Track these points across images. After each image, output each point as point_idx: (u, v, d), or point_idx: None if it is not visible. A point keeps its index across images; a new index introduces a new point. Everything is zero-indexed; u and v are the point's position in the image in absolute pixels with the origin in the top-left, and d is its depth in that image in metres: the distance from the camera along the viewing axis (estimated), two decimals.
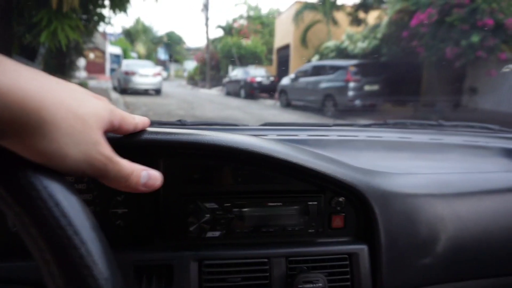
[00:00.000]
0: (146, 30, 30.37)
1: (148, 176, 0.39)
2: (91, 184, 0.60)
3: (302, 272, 0.61)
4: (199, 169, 0.62)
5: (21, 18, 4.93)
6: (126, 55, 25.13)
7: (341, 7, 13.02)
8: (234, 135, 0.60)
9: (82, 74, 12.08)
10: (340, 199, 0.67)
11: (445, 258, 0.71)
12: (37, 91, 0.29)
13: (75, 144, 0.31)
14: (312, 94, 9.49)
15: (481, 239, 0.73)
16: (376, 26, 10.14)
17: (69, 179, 0.60)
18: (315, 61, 11.53)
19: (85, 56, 11.92)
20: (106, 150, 0.34)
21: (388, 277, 0.66)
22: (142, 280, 0.58)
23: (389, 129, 1.13)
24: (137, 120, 0.45)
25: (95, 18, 6.26)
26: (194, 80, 21.99)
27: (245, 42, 20.31)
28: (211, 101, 12.03)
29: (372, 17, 11.10)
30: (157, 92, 13.21)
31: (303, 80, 10.02)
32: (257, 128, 1.03)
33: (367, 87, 8.60)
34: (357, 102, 8.45)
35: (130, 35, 29.02)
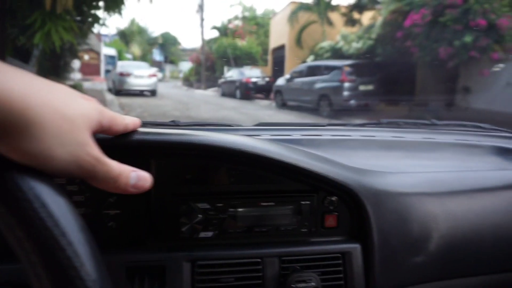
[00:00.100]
0: (141, 31, 30.28)
1: (137, 177, 0.38)
2: (83, 185, 0.60)
3: (295, 272, 0.61)
4: (191, 169, 0.62)
5: (14, 19, 4.90)
6: (121, 57, 25.04)
7: (335, 8, 13.07)
8: (226, 135, 0.60)
9: (76, 75, 12.01)
10: (333, 198, 0.67)
11: (438, 256, 0.71)
12: (22, 92, 0.28)
13: (62, 145, 0.31)
14: (307, 94, 9.52)
15: (473, 237, 0.73)
16: (370, 27, 10.19)
17: (60, 180, 0.60)
18: (310, 61, 11.56)
19: (80, 58, 11.87)
20: (94, 151, 0.34)
21: (381, 275, 0.66)
22: (135, 281, 0.58)
23: (383, 129, 1.14)
24: (127, 121, 0.45)
25: (89, 19, 6.23)
26: (189, 81, 21.95)
27: (240, 42, 20.31)
28: (206, 102, 12.01)
29: (366, 17, 11.15)
30: (152, 93, 13.17)
31: (298, 80, 10.04)
32: (251, 128, 1.03)
33: (362, 87, 8.63)
34: (352, 102, 8.48)
35: (125, 36, 28.91)
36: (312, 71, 9.80)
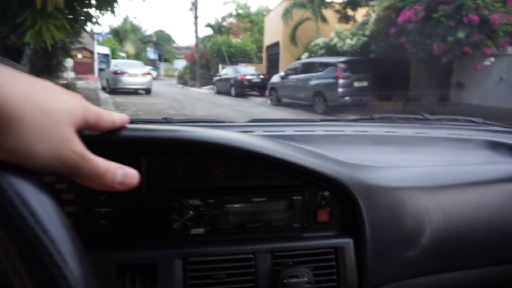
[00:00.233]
0: (134, 29, 30.08)
1: (124, 174, 0.38)
2: (72, 184, 0.59)
3: (288, 267, 0.61)
4: (182, 166, 0.61)
5: (4, 18, 4.84)
6: (114, 55, 24.88)
7: (329, 5, 13.07)
8: (216, 131, 0.60)
9: (70, 74, 11.92)
10: (325, 193, 0.67)
11: (430, 250, 0.71)
12: (1, 86, 0.28)
13: (44, 140, 0.30)
14: (302, 91, 9.53)
15: (465, 231, 0.74)
16: (364, 23, 10.21)
17: (49, 179, 0.59)
18: (304, 58, 11.56)
19: (73, 57, 11.76)
20: (78, 147, 0.33)
21: (374, 270, 0.66)
22: (126, 279, 0.58)
23: (375, 124, 1.14)
24: (114, 117, 0.44)
25: (82, 17, 6.17)
26: (184, 79, 21.88)
27: (235, 40, 20.26)
28: (201, 100, 11.98)
29: (360, 14, 11.17)
30: (147, 91, 13.12)
31: (293, 77, 10.05)
32: (244, 125, 1.03)
33: (356, 84, 8.66)
34: (347, 99, 8.51)
35: (119, 35, 28.72)
36: (307, 68, 9.81)
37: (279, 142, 0.69)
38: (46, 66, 8.18)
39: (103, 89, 13.49)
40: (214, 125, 0.98)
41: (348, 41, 10.17)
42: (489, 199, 0.77)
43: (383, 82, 8.82)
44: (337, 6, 12.22)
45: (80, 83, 14.07)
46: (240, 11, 23.61)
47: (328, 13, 13.02)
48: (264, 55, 18.55)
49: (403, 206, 0.70)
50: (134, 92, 12.96)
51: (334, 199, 0.68)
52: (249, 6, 23.95)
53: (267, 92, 11.72)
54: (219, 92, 14.41)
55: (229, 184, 0.63)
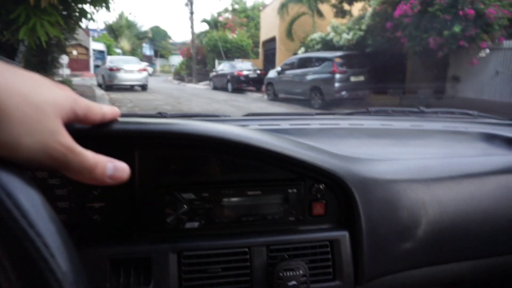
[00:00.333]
0: (130, 26, 29.87)
1: (114, 167, 0.37)
2: (65, 179, 0.58)
3: (283, 260, 0.61)
4: (176, 159, 0.61)
5: None
6: (110, 51, 24.72)
7: None
8: (209, 124, 0.59)
9: (65, 71, 11.84)
10: (320, 186, 0.66)
11: (426, 243, 0.71)
12: None
13: (30, 133, 0.29)
14: (299, 86, 9.52)
15: (461, 223, 0.74)
16: (360, 18, 10.17)
17: (41, 174, 0.58)
18: (301, 53, 11.53)
19: (68, 53, 11.66)
20: (66, 140, 0.33)
21: (370, 262, 0.66)
22: (120, 274, 0.57)
23: (371, 117, 1.14)
24: (105, 110, 0.44)
25: (76, 13, 6.12)
26: (180, 75, 21.79)
27: (231, 35, 20.17)
28: (198, 96, 11.94)
29: (356, 8, 11.13)
30: (143, 88, 13.06)
31: (290, 72, 10.03)
32: (239, 119, 1.02)
33: (353, 78, 8.65)
34: (344, 93, 8.51)
35: (114, 31, 28.52)
36: (303, 63, 9.79)
37: (274, 135, 0.69)
38: (41, 63, 8.10)
39: (99, 85, 13.41)
40: (209, 119, 0.97)
41: (345, 35, 10.14)
42: (484, 191, 0.77)
43: (379, 77, 8.82)
44: (333, 1, 12.14)
45: (75, 80, 13.98)
46: (236, 6, 23.49)
47: (324, 8, 12.97)
48: (260, 50, 18.49)
49: (399, 199, 0.70)
50: (130, 88, 12.90)
51: (329, 192, 0.67)
52: (245, 1, 23.92)
53: (263, 87, 11.70)
54: (215, 88, 14.36)
55: (223, 177, 0.63)
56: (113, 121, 0.47)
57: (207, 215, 0.62)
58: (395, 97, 8.77)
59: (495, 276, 0.87)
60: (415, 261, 0.72)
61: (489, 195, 0.77)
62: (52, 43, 7.67)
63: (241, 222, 0.63)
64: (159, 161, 0.60)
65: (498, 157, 0.88)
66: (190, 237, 0.61)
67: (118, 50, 27.11)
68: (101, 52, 23.92)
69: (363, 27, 9.58)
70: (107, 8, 6.08)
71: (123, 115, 0.52)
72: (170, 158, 0.60)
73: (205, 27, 23.36)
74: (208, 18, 23.19)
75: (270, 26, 15.97)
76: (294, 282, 0.59)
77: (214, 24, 22.21)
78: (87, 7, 5.98)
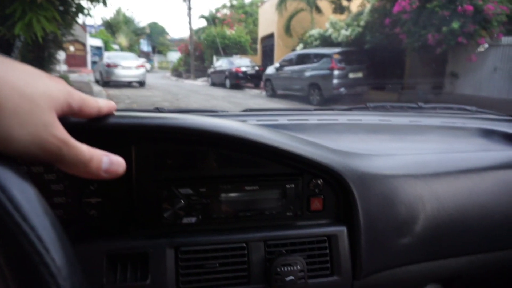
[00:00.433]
0: (127, 21, 29.73)
1: (109, 161, 0.37)
2: (61, 174, 0.58)
3: (281, 256, 0.61)
4: (173, 154, 0.60)
5: None
6: (107, 47, 24.61)
7: None
8: (207, 118, 0.58)
9: (62, 67, 11.77)
10: (319, 181, 0.66)
11: (424, 238, 0.71)
12: None
13: (22, 125, 0.29)
14: (297, 82, 9.50)
15: (459, 218, 0.74)
16: (359, 14, 10.15)
17: (37, 169, 0.58)
18: (299, 49, 11.50)
19: (65, 49, 11.58)
20: (60, 132, 0.32)
21: (368, 258, 0.66)
22: (117, 270, 0.57)
23: (369, 113, 1.14)
24: (100, 104, 0.43)
25: (73, 9, 6.07)
26: (178, 71, 21.72)
27: (229, 31, 20.09)
28: (196, 92, 11.91)
29: (355, 4, 11.09)
30: (141, 84, 13.03)
31: (288, 69, 10.00)
32: (237, 114, 1.02)
33: (351, 75, 8.64)
34: (342, 90, 8.50)
35: (111, 27, 28.37)
36: (302, 59, 9.77)
37: (272, 130, 0.68)
38: (37, 59, 8.05)
39: (97, 81, 13.37)
40: (207, 115, 0.97)
41: (343, 32, 10.12)
42: (482, 186, 0.77)
43: (378, 73, 8.81)
44: None
45: (73, 76, 13.92)
46: (234, 2, 23.39)
47: (323, 4, 12.91)
48: (258, 46, 18.43)
49: (397, 194, 0.69)
50: (128, 85, 12.86)
51: (327, 187, 0.67)
52: None
53: (262, 84, 11.67)
54: (213, 84, 14.33)
55: (221, 172, 0.62)
56: (109, 115, 0.47)
57: (204, 210, 0.62)
58: (394, 93, 8.76)
59: (492, 271, 0.87)
60: (413, 256, 0.72)
61: (487, 191, 0.77)
62: (48, 39, 7.62)
63: (239, 217, 0.63)
64: (156, 156, 0.60)
65: (496, 152, 0.87)
66: (187, 232, 0.61)
67: (116, 46, 27.00)
68: (98, 48, 23.81)
69: (362, 23, 9.56)
70: (104, 3, 6.03)
71: (119, 110, 0.52)
72: (167, 153, 0.60)
73: (203, 23, 23.32)
74: (206, 14, 23.11)
75: (268, 22, 15.91)
76: (291, 277, 0.59)
77: (212, 20, 22.12)
78: (84, 2, 5.94)
